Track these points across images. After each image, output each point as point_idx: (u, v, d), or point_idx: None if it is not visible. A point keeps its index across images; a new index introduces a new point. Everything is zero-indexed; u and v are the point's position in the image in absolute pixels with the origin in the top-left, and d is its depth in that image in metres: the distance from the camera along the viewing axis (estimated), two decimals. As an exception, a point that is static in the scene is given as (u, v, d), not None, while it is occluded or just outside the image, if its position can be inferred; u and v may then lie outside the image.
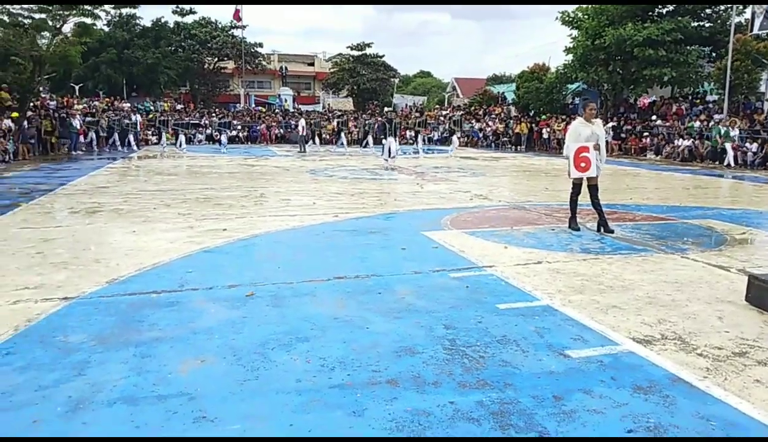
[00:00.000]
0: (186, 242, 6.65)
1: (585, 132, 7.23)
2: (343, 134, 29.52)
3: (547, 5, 46.33)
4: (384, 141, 18.29)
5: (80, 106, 29.44)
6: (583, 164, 7.21)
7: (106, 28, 38.80)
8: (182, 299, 4.57)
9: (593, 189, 7.33)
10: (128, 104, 33.71)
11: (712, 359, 3.56)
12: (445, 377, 3.27)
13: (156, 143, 28.84)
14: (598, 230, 7.42)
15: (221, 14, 42.40)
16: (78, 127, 23.17)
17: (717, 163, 20.11)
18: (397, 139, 25.68)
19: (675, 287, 5.05)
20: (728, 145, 19.66)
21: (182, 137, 26.26)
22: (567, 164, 7.48)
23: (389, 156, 17.59)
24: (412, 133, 33.15)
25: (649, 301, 4.65)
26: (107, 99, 34.36)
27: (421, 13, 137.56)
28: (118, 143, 26.07)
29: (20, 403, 2.94)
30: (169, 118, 32.18)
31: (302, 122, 27.30)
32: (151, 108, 33.98)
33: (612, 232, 7.30)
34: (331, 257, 6.08)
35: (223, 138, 28.48)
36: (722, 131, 20.11)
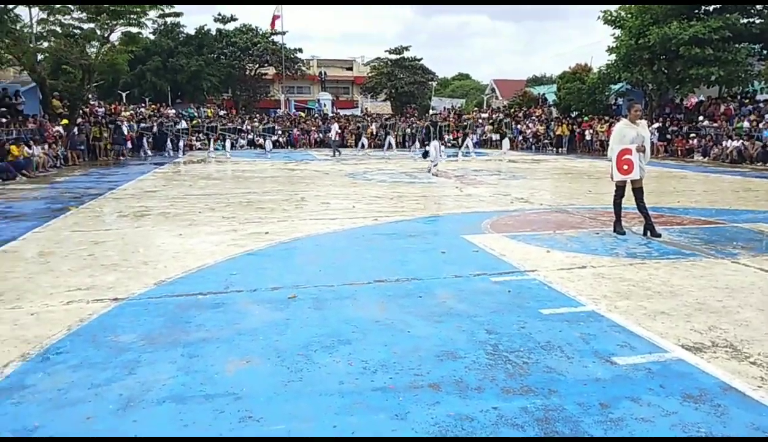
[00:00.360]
0: (230, 245, 6.79)
1: (630, 134, 7.07)
2: (390, 137, 29.36)
3: (589, 5, 45.22)
4: (428, 145, 17.18)
5: (127, 113, 30.40)
6: (625, 167, 7.04)
7: (152, 37, 39.98)
8: (227, 301, 4.67)
9: (638, 192, 7.16)
10: (173, 111, 34.60)
11: (766, 367, 3.44)
12: (488, 383, 3.24)
13: (200, 148, 29.54)
14: (645, 234, 7.24)
15: (261, 21, 43.02)
16: (126, 133, 23.90)
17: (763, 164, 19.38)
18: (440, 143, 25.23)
19: (726, 292, 4.89)
20: None
21: (228, 142, 26.79)
22: (610, 167, 7.32)
23: (433, 161, 16.59)
24: (450, 137, 32.88)
25: (699, 307, 4.52)
26: (153, 106, 35.37)
27: (459, 15, 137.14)
28: (170, 148, 26.66)
29: (75, 400, 3.05)
30: (216, 123, 32.73)
31: (335, 127, 27.28)
32: (195, 114, 34.79)
33: (659, 236, 7.11)
34: (371, 260, 6.11)
35: (268, 144, 28.71)
36: None
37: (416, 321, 4.23)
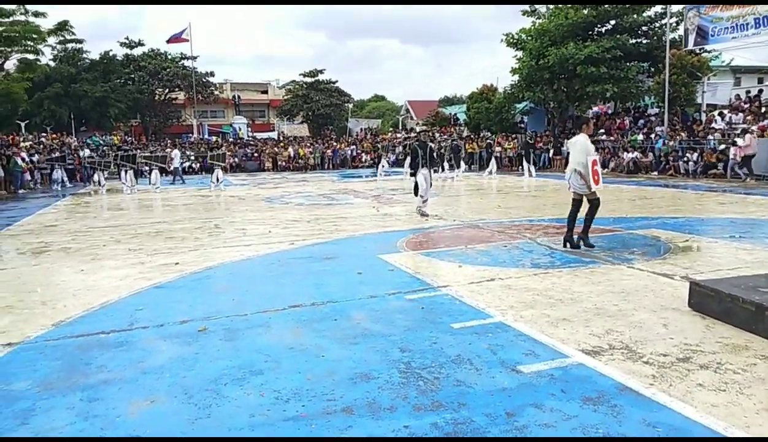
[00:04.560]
0: (136, 279, 6.51)
1: (592, 147, 7.37)
2: (384, 159, 27.11)
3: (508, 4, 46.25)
4: (418, 174, 11.46)
5: (26, 144, 28.55)
6: (596, 177, 7.25)
7: (52, 64, 37.98)
8: (132, 338, 4.47)
9: (595, 202, 7.38)
10: (75, 139, 32.83)
11: (657, 366, 3.68)
12: (400, 401, 3.28)
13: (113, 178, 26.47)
14: (578, 245, 7.48)
15: (171, 46, 41.67)
16: (22, 165, 22.34)
17: (657, 173, 20.94)
18: (446, 169, 22.63)
19: (622, 296, 5.21)
20: None
21: (130, 173, 21.36)
22: (576, 179, 7.34)
23: (423, 196, 11.54)
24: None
25: (597, 312, 4.78)
26: (54, 135, 33.46)
27: (371, 40, 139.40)
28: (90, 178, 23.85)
29: (-42, 459, 2.81)
30: (139, 151, 28.34)
31: (176, 153, 25.92)
32: (100, 142, 33.15)
33: (593, 246, 7.41)
34: (286, 286, 6.04)
35: (218, 173, 22.13)
36: None
37: (331, 345, 4.22)
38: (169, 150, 27.51)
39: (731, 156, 18.26)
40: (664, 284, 5.63)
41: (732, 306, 4.38)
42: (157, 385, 3.59)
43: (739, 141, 17.83)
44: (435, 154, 12.47)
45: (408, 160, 23.56)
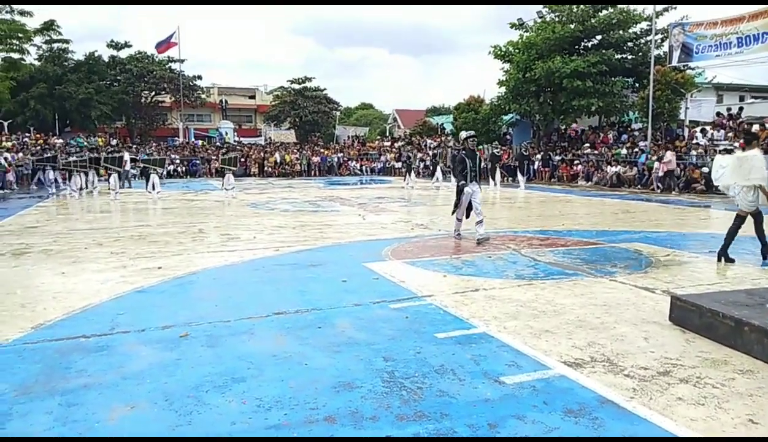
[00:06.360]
0: (118, 283, 6.44)
1: None
2: (440, 168, 24.67)
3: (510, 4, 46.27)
4: (468, 190, 9.28)
5: (9, 143, 28.22)
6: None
7: (37, 63, 37.60)
8: (112, 343, 4.42)
9: (759, 217, 7.30)
10: (61, 140, 32.50)
11: (638, 379, 3.71)
12: (383, 411, 3.27)
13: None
14: (765, 258, 7.38)
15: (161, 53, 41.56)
16: (5, 165, 22.01)
17: (640, 187, 21.21)
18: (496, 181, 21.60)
19: (604, 309, 5.26)
20: None
21: (155, 178, 20.19)
22: (747, 195, 7.19)
23: (479, 216, 9.16)
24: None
25: (580, 324, 4.82)
26: (37, 135, 33.09)
27: (360, 48, 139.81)
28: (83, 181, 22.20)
29: (-69, 464, 2.76)
30: (127, 153, 26.92)
31: (126, 156, 25.58)
32: (84, 144, 32.83)
33: None
34: (270, 293, 6.02)
35: (230, 178, 20.00)
36: None
37: (314, 353, 4.20)
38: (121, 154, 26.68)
39: (654, 169, 20.81)
40: (645, 297, 5.69)
41: (712, 321, 4.44)
42: (138, 391, 3.55)
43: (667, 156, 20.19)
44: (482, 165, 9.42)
45: (438, 170, 23.31)
